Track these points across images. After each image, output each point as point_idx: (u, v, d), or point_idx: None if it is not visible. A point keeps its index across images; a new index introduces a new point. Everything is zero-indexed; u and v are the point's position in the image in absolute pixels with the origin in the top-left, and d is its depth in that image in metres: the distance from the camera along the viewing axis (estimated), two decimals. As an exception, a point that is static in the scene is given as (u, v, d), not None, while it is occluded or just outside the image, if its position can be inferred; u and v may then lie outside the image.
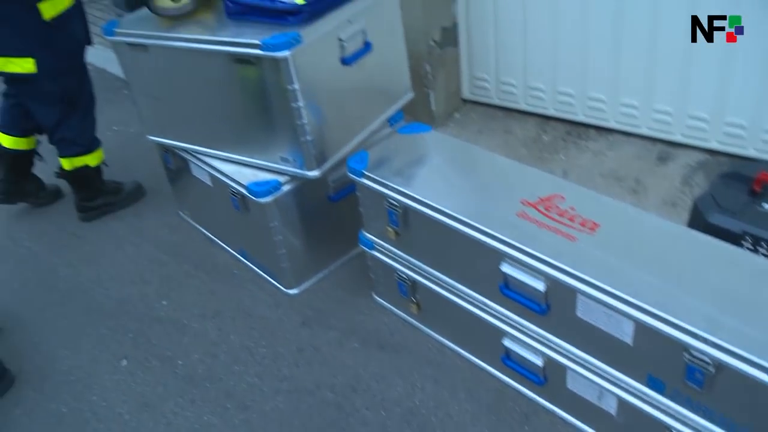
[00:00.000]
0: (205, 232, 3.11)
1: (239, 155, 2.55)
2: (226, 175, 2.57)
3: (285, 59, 2.13)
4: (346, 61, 2.37)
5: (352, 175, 2.27)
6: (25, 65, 2.86)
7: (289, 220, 2.53)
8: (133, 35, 2.54)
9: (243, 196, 2.50)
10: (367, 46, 2.45)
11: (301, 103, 2.22)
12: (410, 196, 2.10)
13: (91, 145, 3.26)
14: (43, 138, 3.36)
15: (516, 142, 3.33)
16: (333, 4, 2.31)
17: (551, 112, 3.38)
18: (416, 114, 3.33)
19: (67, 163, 3.25)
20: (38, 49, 2.86)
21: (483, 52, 3.46)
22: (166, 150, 2.92)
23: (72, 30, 2.97)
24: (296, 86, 2.18)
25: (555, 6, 3.07)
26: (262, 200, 2.41)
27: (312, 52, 2.22)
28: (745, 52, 2.66)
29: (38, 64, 2.87)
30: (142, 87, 2.73)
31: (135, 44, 2.55)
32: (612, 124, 3.22)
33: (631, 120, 3.14)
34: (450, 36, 3.42)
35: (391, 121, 2.71)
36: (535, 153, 3.24)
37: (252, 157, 2.51)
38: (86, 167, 3.28)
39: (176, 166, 2.96)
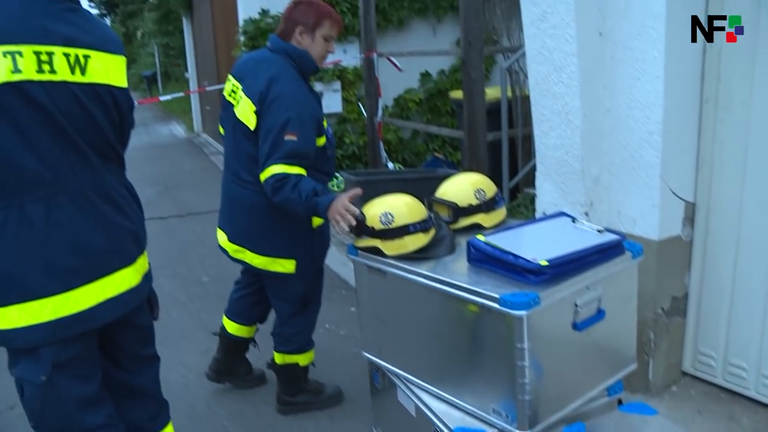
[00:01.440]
0: (395, 456, 3.06)
1: (450, 395, 2.53)
2: (433, 412, 2.54)
3: (520, 318, 2.14)
4: (577, 326, 2.34)
5: (566, 448, 2.17)
6: (287, 266, 3.13)
7: (487, 472, 2.43)
8: (375, 260, 2.69)
9: (446, 437, 2.46)
10: (600, 314, 2.42)
11: (526, 363, 2.19)
12: (628, 488, 1.95)
13: (305, 345, 3.41)
14: (262, 327, 3.58)
15: (741, 433, 3.05)
16: (575, 269, 2.32)
17: (788, 406, 3.08)
18: (632, 380, 3.17)
19: (279, 358, 3.41)
20: (301, 253, 3.14)
21: (713, 327, 3.28)
22: (377, 368, 2.98)
23: (327, 234, 3.25)
24: (525, 346, 2.17)
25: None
26: (466, 449, 2.35)
27: (546, 314, 2.22)
28: None
29: (298, 265, 3.14)
30: (370, 306, 2.85)
31: (374, 268, 2.70)
32: None
33: None
34: (679, 306, 3.30)
35: (610, 390, 2.59)
36: (763, 450, 2.94)
37: (463, 401, 2.48)
38: (296, 365, 3.42)
39: (383, 386, 2.99)
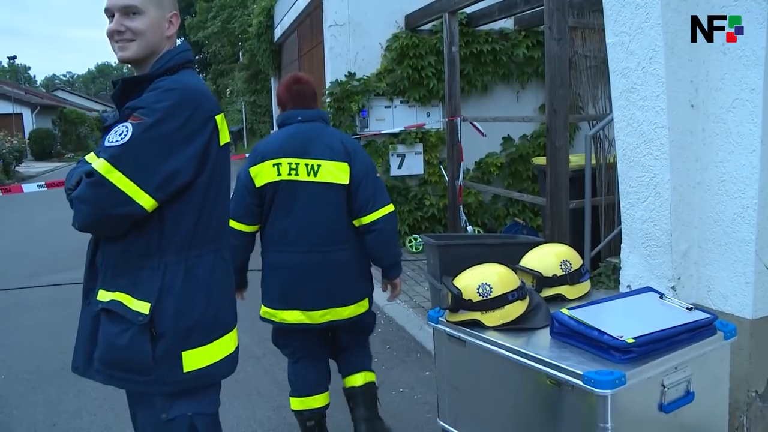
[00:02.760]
0: None
1: (527, 471, 2.45)
2: (509, 488, 2.47)
3: (605, 397, 2.06)
4: (664, 408, 2.23)
5: None
6: (366, 305, 3.46)
7: None
8: (456, 329, 2.65)
9: None
10: (689, 396, 2.31)
11: (610, 444, 2.11)
12: None
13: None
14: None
15: None
16: (663, 348, 2.23)
17: None
18: (722, 468, 3.01)
19: (372, 376, 3.61)
20: (370, 287, 3.52)
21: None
22: (452, 436, 2.92)
23: None
24: (609, 426, 2.08)
25: None
26: None
27: (632, 393, 2.13)
28: None
29: (370, 300, 3.48)
30: (448, 374, 2.80)
31: (454, 337, 2.67)
32: None
33: None
34: (775, 390, 3.13)
35: (699, 479, 2.46)
36: None
37: (540, 478, 2.39)
38: (373, 384, 3.61)
39: (457, 456, 2.92)
